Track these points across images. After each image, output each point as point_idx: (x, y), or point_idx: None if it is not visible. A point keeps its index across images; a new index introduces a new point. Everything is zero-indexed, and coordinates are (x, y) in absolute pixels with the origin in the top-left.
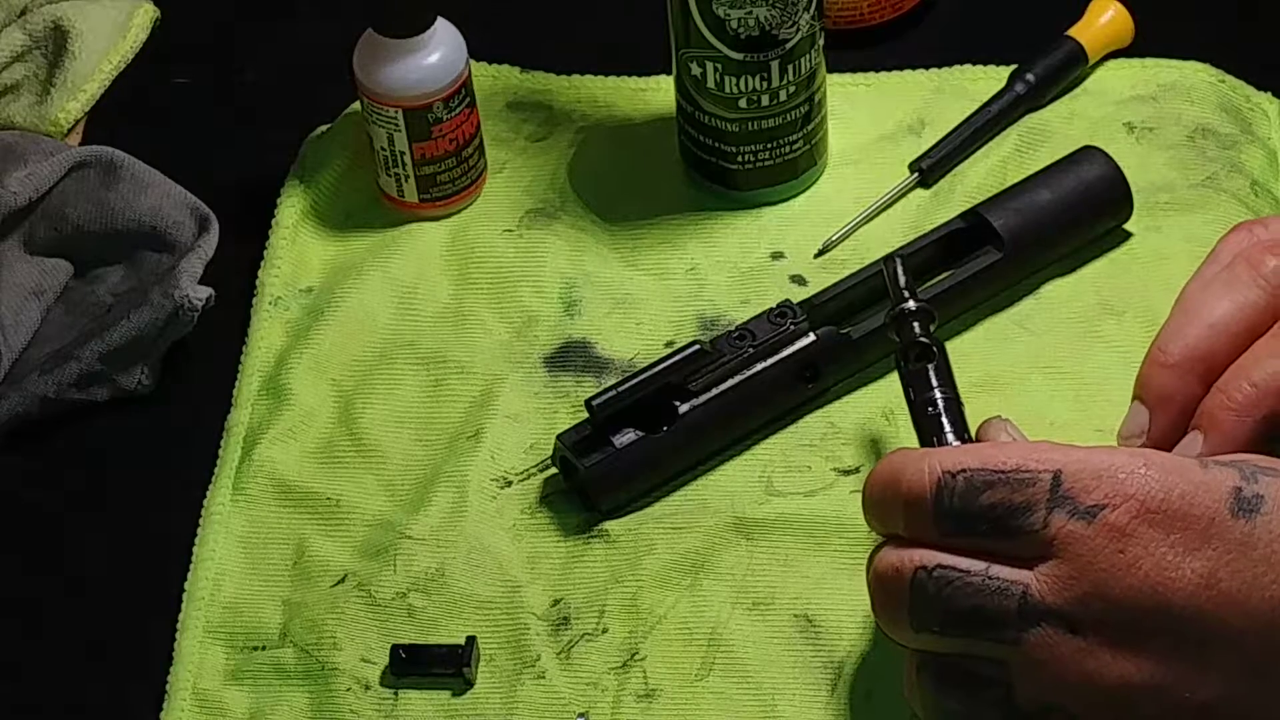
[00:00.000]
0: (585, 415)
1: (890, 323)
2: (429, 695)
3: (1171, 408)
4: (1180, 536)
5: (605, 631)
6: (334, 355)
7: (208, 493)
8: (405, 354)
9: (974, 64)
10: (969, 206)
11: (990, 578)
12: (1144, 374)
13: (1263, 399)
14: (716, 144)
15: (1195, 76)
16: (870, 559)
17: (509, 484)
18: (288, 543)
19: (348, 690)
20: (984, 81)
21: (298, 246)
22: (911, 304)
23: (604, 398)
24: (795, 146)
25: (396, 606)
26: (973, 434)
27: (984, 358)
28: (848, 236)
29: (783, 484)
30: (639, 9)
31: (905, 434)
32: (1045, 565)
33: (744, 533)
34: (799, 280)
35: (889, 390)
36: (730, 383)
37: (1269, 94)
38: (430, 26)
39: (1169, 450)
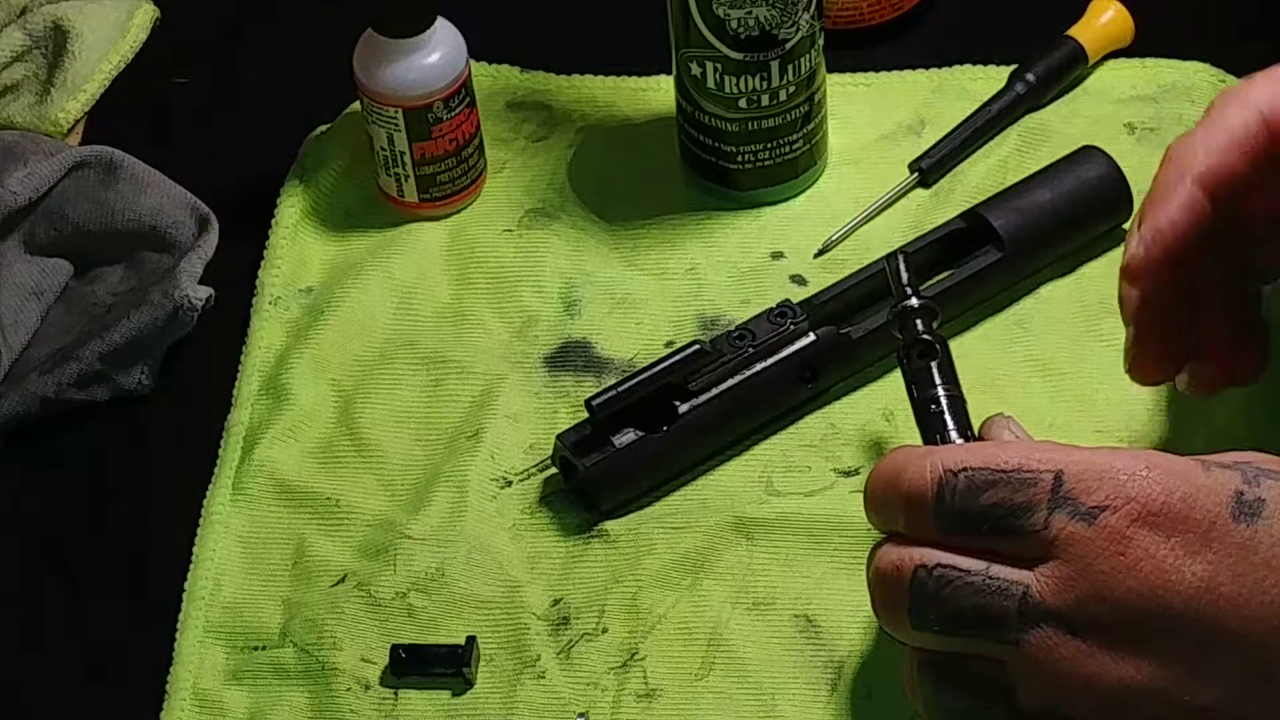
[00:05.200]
0: (585, 415)
1: (893, 319)
2: (429, 695)
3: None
4: (1181, 540)
5: (605, 631)
6: (334, 355)
7: (208, 493)
8: (405, 354)
9: (974, 64)
10: (969, 206)
11: (990, 578)
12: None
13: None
14: (716, 144)
15: (1196, 77)
16: (871, 556)
17: (509, 484)
18: (288, 543)
19: (348, 690)
20: (984, 81)
21: (298, 246)
22: (914, 300)
23: (604, 398)
24: (795, 146)
25: (396, 606)
26: (976, 432)
27: (983, 358)
28: (848, 236)
29: (783, 484)
30: (639, 9)
31: (905, 434)
32: (1046, 566)
33: (744, 533)
34: (799, 280)
35: (889, 391)
36: (730, 383)
37: None
38: (430, 26)
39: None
